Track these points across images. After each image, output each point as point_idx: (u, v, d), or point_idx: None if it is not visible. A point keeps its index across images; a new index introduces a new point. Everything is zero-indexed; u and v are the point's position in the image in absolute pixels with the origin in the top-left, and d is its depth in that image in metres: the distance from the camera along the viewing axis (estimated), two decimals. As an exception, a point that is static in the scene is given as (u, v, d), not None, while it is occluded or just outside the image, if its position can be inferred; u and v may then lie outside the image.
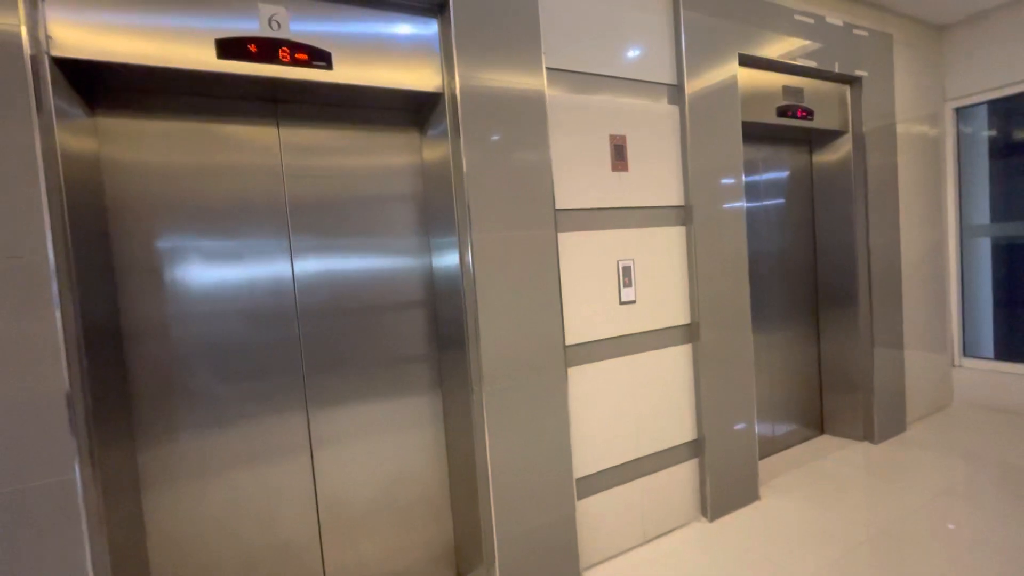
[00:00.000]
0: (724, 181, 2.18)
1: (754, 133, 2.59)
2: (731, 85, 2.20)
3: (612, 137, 1.93)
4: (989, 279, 3.39)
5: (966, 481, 2.35)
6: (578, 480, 1.86)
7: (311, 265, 1.65)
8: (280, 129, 1.62)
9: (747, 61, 2.31)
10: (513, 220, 1.65)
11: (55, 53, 1.18)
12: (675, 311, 2.10)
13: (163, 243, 1.46)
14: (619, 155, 1.95)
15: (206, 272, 1.52)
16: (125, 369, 1.41)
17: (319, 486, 1.68)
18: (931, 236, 3.22)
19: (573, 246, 1.85)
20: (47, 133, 1.15)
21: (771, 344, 2.82)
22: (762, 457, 2.71)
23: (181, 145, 1.48)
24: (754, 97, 2.40)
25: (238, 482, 1.57)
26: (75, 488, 1.14)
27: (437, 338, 1.85)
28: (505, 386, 1.65)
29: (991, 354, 3.35)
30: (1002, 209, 3.32)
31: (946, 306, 3.33)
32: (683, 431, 2.13)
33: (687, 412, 2.14)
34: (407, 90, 1.61)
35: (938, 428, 3.01)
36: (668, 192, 2.08)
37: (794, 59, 2.43)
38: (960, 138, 3.30)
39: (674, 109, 2.09)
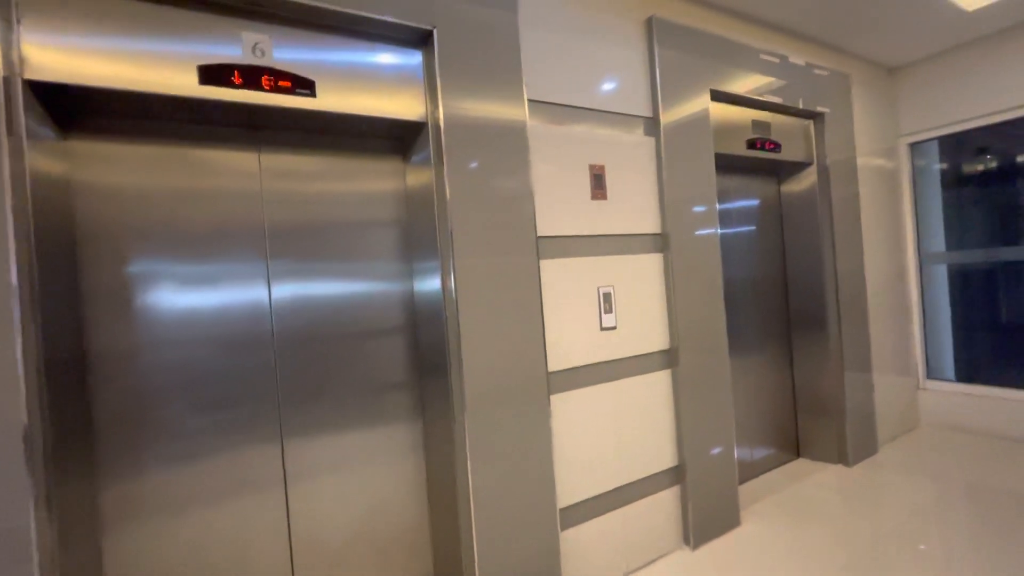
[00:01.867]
0: (699, 209, 2.25)
1: (726, 164, 2.69)
2: (704, 118, 2.29)
3: (591, 167, 1.98)
4: (947, 304, 3.54)
5: (937, 502, 2.40)
6: (561, 510, 1.83)
7: (289, 290, 1.62)
8: (261, 155, 1.60)
9: (718, 96, 2.41)
10: (495, 247, 1.66)
11: (28, 76, 1.15)
12: (655, 337, 2.13)
13: (135, 268, 1.41)
14: (598, 184, 1.99)
15: (179, 298, 1.47)
16: (89, 401, 1.34)
17: (293, 521, 1.61)
18: (893, 263, 3.37)
19: (555, 273, 1.86)
20: (16, 156, 1.11)
21: (747, 368, 2.87)
22: (741, 482, 2.72)
23: (158, 169, 1.45)
24: (726, 130, 2.50)
25: (207, 520, 1.49)
26: (28, 534, 1.07)
27: (418, 365, 1.82)
28: (488, 414, 1.63)
29: (953, 376, 3.48)
30: (956, 237, 3.50)
31: (910, 330, 3.46)
32: (664, 458, 2.13)
33: (668, 438, 2.15)
34: (391, 118, 1.62)
35: (908, 450, 3.08)
36: (645, 220, 2.12)
37: (762, 95, 2.55)
38: (915, 171, 3.49)
39: (650, 140, 2.16)
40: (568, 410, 1.87)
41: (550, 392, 1.81)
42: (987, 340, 3.53)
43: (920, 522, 2.22)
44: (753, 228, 2.96)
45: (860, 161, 3.12)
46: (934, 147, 3.54)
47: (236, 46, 1.37)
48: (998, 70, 3.03)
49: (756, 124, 2.62)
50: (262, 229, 1.59)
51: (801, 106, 2.73)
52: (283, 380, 1.60)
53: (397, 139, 1.79)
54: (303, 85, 1.43)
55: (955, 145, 3.49)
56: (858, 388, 2.96)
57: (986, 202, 3.50)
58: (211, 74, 1.33)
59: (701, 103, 2.28)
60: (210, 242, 1.52)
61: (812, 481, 2.73)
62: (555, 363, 1.83)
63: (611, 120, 2.06)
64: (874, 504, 2.42)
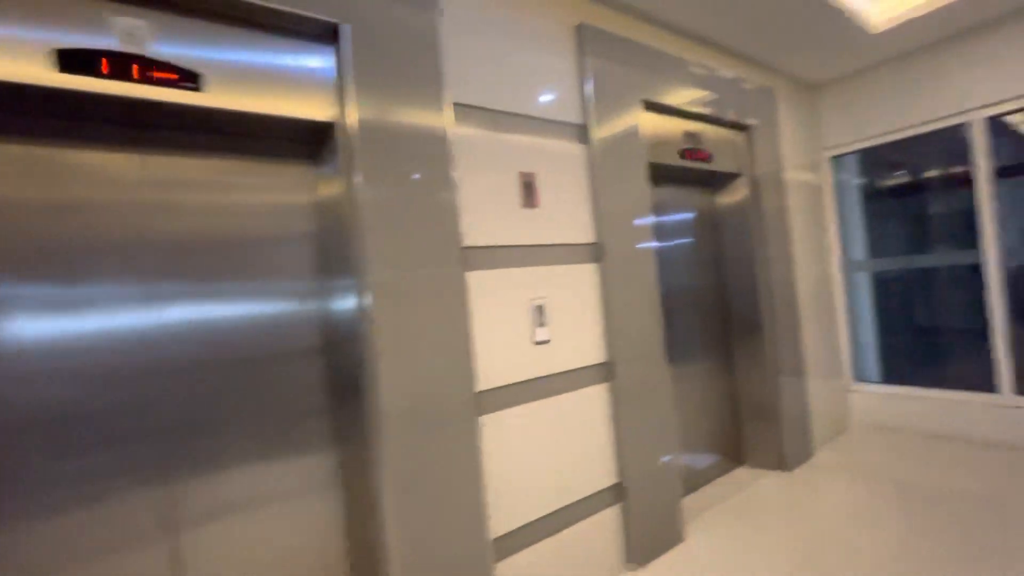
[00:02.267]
0: (633, 218, 2.22)
1: (663, 174, 2.69)
2: (636, 128, 2.27)
3: (522, 174, 1.90)
4: (870, 309, 3.71)
5: (872, 503, 2.45)
6: (495, 540, 1.70)
7: (179, 314, 1.43)
8: (145, 158, 1.42)
9: (651, 106, 2.41)
10: (416, 259, 1.54)
11: None
12: (591, 350, 2.06)
13: (-23, 289, 1.19)
14: (529, 192, 1.91)
15: (43, 326, 1.26)
16: (-90, 450, 1.11)
17: (185, 574, 1.40)
18: (820, 271, 3.49)
19: (484, 285, 1.76)
20: None
21: (690, 376, 2.86)
22: (686, 494, 2.68)
23: (12, 174, 1.24)
24: (659, 140, 2.50)
25: (72, 583, 1.26)
26: None
27: (333, 390, 1.66)
28: (409, 440, 1.49)
29: (878, 378, 3.62)
30: (875, 246, 3.68)
31: (838, 335, 3.59)
32: (604, 475, 2.05)
33: (608, 455, 2.07)
34: (295, 119, 1.48)
35: (841, 452, 3.16)
36: (579, 229, 2.06)
37: (692, 106, 2.58)
38: (838, 183, 3.65)
39: (583, 148, 2.11)
40: (501, 431, 1.75)
41: (480, 412, 1.69)
42: (907, 342, 3.71)
43: (857, 524, 2.25)
44: (692, 238, 2.98)
45: (787, 173, 3.22)
46: (854, 161, 3.73)
47: (106, 33, 1.20)
48: (906, 89, 3.23)
49: (688, 135, 2.64)
50: (148, 244, 1.40)
51: (731, 118, 2.78)
52: (173, 414, 1.40)
53: (306, 143, 1.64)
54: (187, 78, 1.27)
55: (873, 159, 3.69)
56: (793, 393, 3.02)
57: (902, 213, 3.71)
58: (73, 61, 1.15)
59: (633, 112, 2.27)
60: (82, 260, 1.31)
61: (754, 489, 2.73)
62: (485, 381, 1.72)
63: (542, 127, 2.00)
64: (813, 510, 2.44)
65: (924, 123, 3.18)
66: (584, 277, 2.07)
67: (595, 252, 2.11)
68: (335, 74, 1.52)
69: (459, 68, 1.77)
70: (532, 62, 1.98)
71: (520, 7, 1.96)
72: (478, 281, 1.74)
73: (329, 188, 1.60)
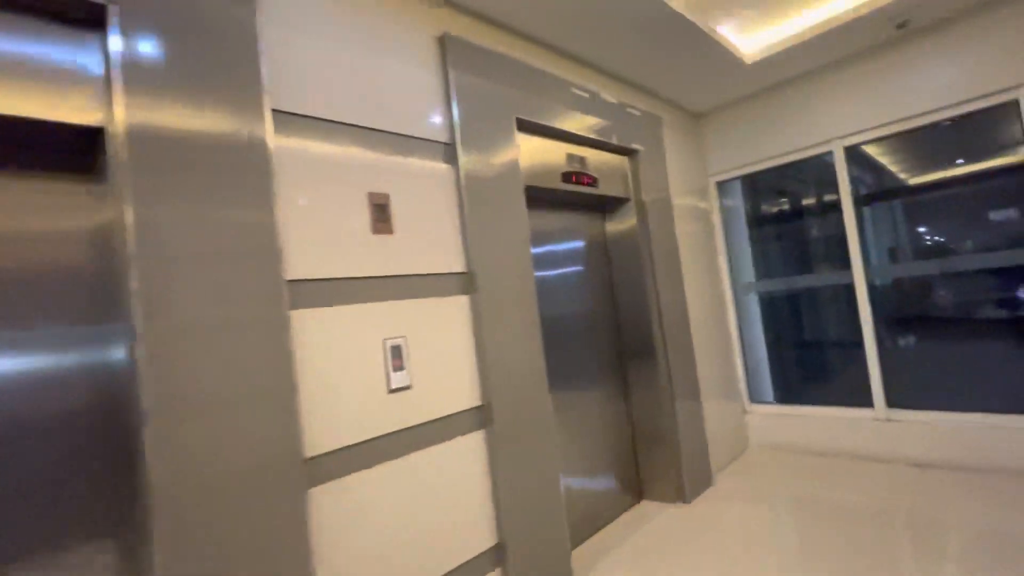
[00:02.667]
0: (510, 244, 2.04)
1: (545, 198, 2.57)
2: (510, 148, 2.12)
3: (372, 195, 1.66)
4: (761, 330, 3.80)
5: (769, 527, 2.38)
6: (335, 640, 1.38)
7: None
8: None
9: (527, 126, 2.27)
10: (213, 297, 1.24)
11: None
12: (462, 393, 1.82)
13: None
14: (381, 216, 1.67)
15: None
16: None
17: None
18: (711, 293, 3.53)
19: (320, 325, 1.48)
20: None
21: (582, 405, 2.71)
22: (580, 542, 2.48)
23: None
24: (539, 163, 2.37)
25: None
26: None
27: (100, 467, 1.28)
28: (200, 527, 1.16)
29: (771, 398, 3.70)
30: (762, 268, 3.80)
31: (731, 356, 3.63)
32: (481, 537, 1.80)
33: (485, 513, 1.82)
34: (56, 123, 1.15)
35: (741, 476, 3.13)
36: (446, 257, 1.85)
37: (575, 129, 2.48)
38: (724, 208, 3.75)
39: (449, 169, 1.92)
40: (342, 504, 1.45)
41: (312, 483, 1.38)
42: (796, 361, 3.84)
43: (758, 552, 2.15)
44: (582, 263, 2.87)
45: (675, 198, 3.24)
46: (740, 187, 3.86)
47: None
48: (778, 118, 3.38)
49: (572, 158, 2.54)
50: None
51: (615, 142, 2.73)
52: None
53: (77, 156, 1.30)
54: None
55: (758, 185, 3.84)
56: (689, 417, 2.95)
57: (786, 236, 3.88)
58: None
59: (506, 132, 2.11)
60: None
61: (653, 528, 2.59)
62: (319, 443, 1.42)
63: (400, 144, 1.78)
64: (714, 541, 2.32)
65: (795, 151, 3.33)
66: (453, 310, 1.84)
67: (466, 282, 1.90)
68: (102, 67, 1.21)
69: (289, 71, 1.51)
70: (387, 72, 1.77)
71: (370, 10, 1.76)
72: (312, 320, 1.46)
73: (103, 209, 1.27)
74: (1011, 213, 2.87)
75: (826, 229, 3.66)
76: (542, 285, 2.54)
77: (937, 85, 2.79)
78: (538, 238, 2.57)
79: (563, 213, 2.78)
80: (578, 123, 2.51)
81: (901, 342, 3.28)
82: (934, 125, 2.88)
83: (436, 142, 1.89)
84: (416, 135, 1.83)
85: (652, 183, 2.98)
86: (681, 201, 3.32)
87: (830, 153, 3.22)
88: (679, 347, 2.98)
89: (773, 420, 3.51)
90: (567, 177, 2.50)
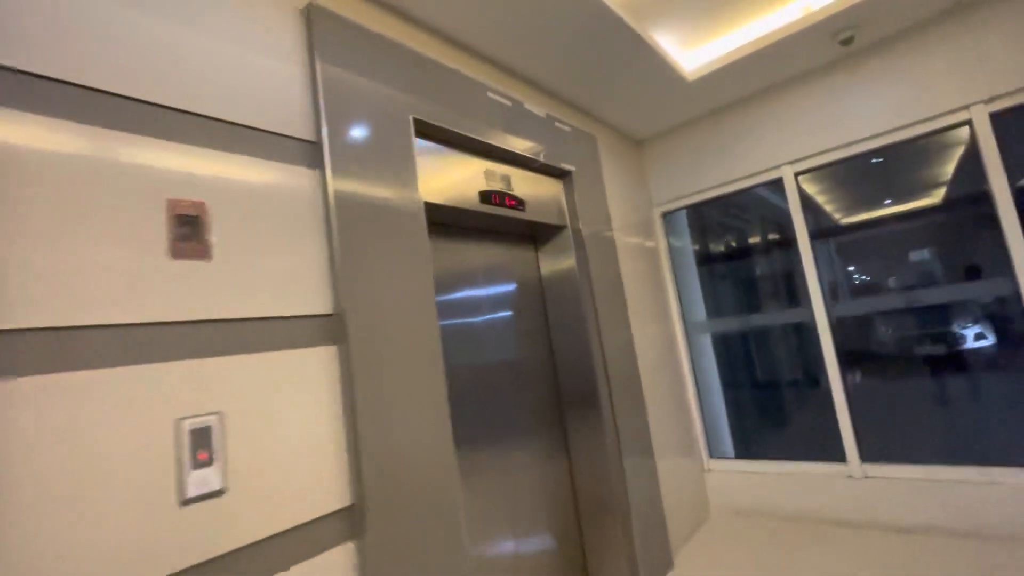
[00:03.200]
0: (404, 276, 1.53)
1: (462, 223, 2.11)
2: (405, 156, 1.65)
3: (173, 203, 1.12)
4: (716, 375, 3.42)
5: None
6: None
7: None
8: None
9: (431, 132, 1.83)
10: None
11: None
12: (319, 490, 1.25)
13: None
14: (189, 234, 1.13)
15: None
16: None
17: None
18: (662, 335, 3.13)
19: (55, 402, 0.90)
20: None
21: (513, 466, 2.16)
22: (512, 667, 1.89)
23: None
24: (450, 178, 1.92)
25: None
26: None
27: None
28: None
29: (732, 452, 3.28)
30: (713, 305, 3.47)
31: (687, 405, 3.21)
32: None
33: (349, 673, 1.23)
34: None
35: (704, 553, 2.64)
36: (302, 294, 1.32)
37: (495, 141, 2.06)
38: (672, 243, 3.42)
39: (314, 176, 1.42)
40: None
41: None
42: (756, 408, 3.47)
43: None
44: (510, 304, 2.39)
45: (618, 230, 2.87)
46: (685, 220, 3.56)
47: None
48: (726, 143, 3.13)
49: (491, 175, 2.11)
50: None
51: (543, 160, 2.33)
52: None
53: None
54: None
55: (703, 220, 3.56)
56: (642, 478, 2.47)
57: (737, 272, 3.59)
58: None
59: (399, 135, 1.65)
60: None
61: (603, 637, 2.03)
62: (11, 618, 0.82)
63: (231, 135, 1.27)
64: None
65: (743, 178, 3.07)
66: (309, 368, 1.30)
67: (332, 328, 1.37)
68: None
69: (51, 20, 0.99)
70: (212, 34, 1.28)
71: (192, -43, 1.28)
72: (41, 396, 0.88)
73: None
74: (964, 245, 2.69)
75: (779, 264, 3.40)
76: (459, 329, 2.04)
77: (888, 105, 2.59)
78: (453, 272, 2.09)
79: (485, 243, 2.31)
80: (498, 135, 2.10)
81: (869, 384, 2.97)
82: (876, 155, 2.68)
83: (292, 138, 1.39)
84: (260, 126, 1.33)
85: (590, 210, 2.59)
86: (624, 233, 2.95)
87: (779, 181, 2.96)
88: (627, 396, 2.52)
89: (736, 479, 3.07)
90: (486, 197, 2.05)
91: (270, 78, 1.37)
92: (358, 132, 1.52)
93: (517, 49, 2.19)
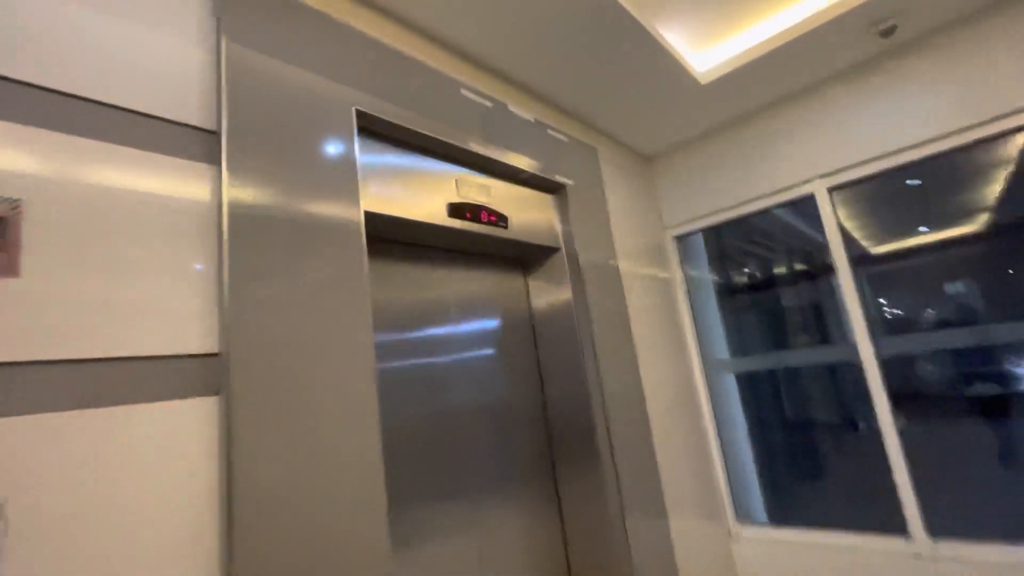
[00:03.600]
0: (326, 304, 1.19)
1: (428, 242, 1.78)
2: (341, 156, 1.33)
3: (-37, 199, 0.81)
4: (743, 422, 2.96)
5: None
6: None
7: None
8: None
9: (379, 130, 1.52)
10: None
11: None
12: (163, 611, 0.88)
13: None
14: (-17, 240, 0.81)
15: None
16: None
17: None
18: (677, 376, 2.70)
19: None
20: None
21: (491, 527, 1.74)
22: None
23: None
24: (407, 185, 1.59)
25: None
26: None
27: None
28: None
29: (763, 515, 2.78)
30: (736, 341, 3.03)
31: (709, 457, 2.75)
32: None
33: None
34: None
35: (731, 649, 2.14)
36: (168, 326, 0.98)
37: (466, 144, 1.74)
38: (686, 271, 3.03)
39: (207, 171, 1.10)
40: None
41: None
42: (792, 462, 2.97)
43: None
44: (496, 339, 2.02)
45: (624, 256, 2.50)
46: (701, 246, 3.18)
47: None
48: (745, 157, 2.77)
49: (464, 184, 1.78)
50: None
51: (531, 171, 2.00)
52: None
53: None
54: None
55: (723, 246, 3.17)
56: (651, 543, 2.02)
57: (764, 303, 3.16)
58: None
59: (334, 128, 1.34)
60: None
61: None
62: None
63: (83, 115, 0.96)
64: None
65: (768, 195, 2.68)
66: (174, 429, 0.94)
67: (211, 373, 1.02)
68: None
69: None
70: (73, -3, 0.99)
71: None
72: None
73: None
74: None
75: (811, 295, 2.96)
76: (424, 371, 1.67)
77: (936, 107, 2.21)
78: (417, 301, 1.74)
79: (460, 268, 1.97)
80: (474, 140, 1.78)
81: (929, 435, 2.47)
82: (921, 168, 2.27)
83: (177, 124, 1.08)
84: (130, 105, 1.02)
85: (590, 232, 2.23)
86: (631, 258, 2.58)
87: (810, 199, 2.57)
88: (633, 446, 2.10)
89: (769, 550, 2.57)
90: (458, 210, 1.71)
91: (153, 46, 1.08)
92: (269, 118, 1.20)
93: (501, 45, 1.89)
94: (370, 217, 1.41)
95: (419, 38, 1.78)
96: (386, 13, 1.67)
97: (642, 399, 2.27)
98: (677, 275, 2.98)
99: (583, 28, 1.86)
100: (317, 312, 1.17)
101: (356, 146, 1.37)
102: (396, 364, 1.60)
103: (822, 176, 2.51)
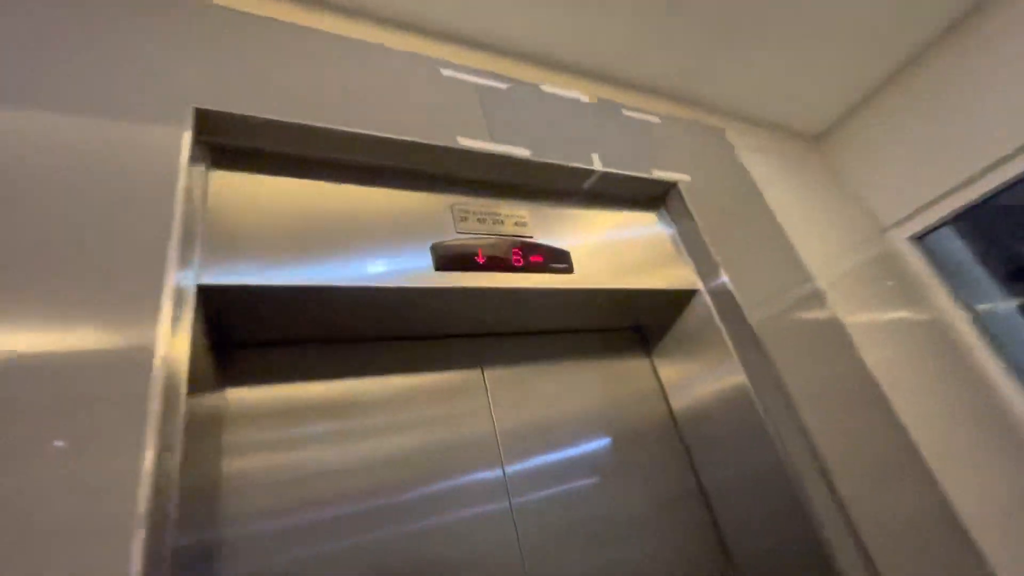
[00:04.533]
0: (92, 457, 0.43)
1: (411, 319, 0.98)
2: (168, 153, 0.66)
3: None
4: None
5: None
6: None
7: None
8: None
9: (226, 129, 0.84)
10: None
11: None
12: None
13: None
14: None
15: None
16: None
17: None
18: (1003, 468, 1.33)
19: None
20: None
21: None
22: None
23: None
24: (339, 226, 0.85)
25: None
26: None
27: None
28: None
29: None
30: None
31: None
32: None
33: None
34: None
35: None
36: None
37: (458, 146, 0.98)
38: (944, 278, 1.72)
39: None
40: None
41: None
42: None
43: None
44: (604, 461, 1.06)
45: (828, 285, 1.40)
46: (956, 243, 1.85)
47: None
48: (969, 96, 1.55)
49: (462, 212, 0.98)
50: None
51: (602, 170, 1.14)
52: None
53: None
54: None
55: (974, 224, 1.81)
56: None
57: None
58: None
59: (154, 137, 0.68)
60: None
61: None
62: None
63: None
64: None
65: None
66: None
67: None
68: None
69: None
70: None
71: None
72: None
73: None
74: None
75: None
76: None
77: None
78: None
79: (534, 359, 1.10)
80: (472, 141, 1.01)
81: None
82: None
83: None
84: None
85: (745, 251, 1.23)
86: (846, 287, 1.45)
87: None
88: None
89: None
90: (457, 258, 0.90)
91: None
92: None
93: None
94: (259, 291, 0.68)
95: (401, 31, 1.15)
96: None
97: (954, 521, 1.03)
98: (946, 299, 1.68)
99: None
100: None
101: (183, 162, 0.69)
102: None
103: None
